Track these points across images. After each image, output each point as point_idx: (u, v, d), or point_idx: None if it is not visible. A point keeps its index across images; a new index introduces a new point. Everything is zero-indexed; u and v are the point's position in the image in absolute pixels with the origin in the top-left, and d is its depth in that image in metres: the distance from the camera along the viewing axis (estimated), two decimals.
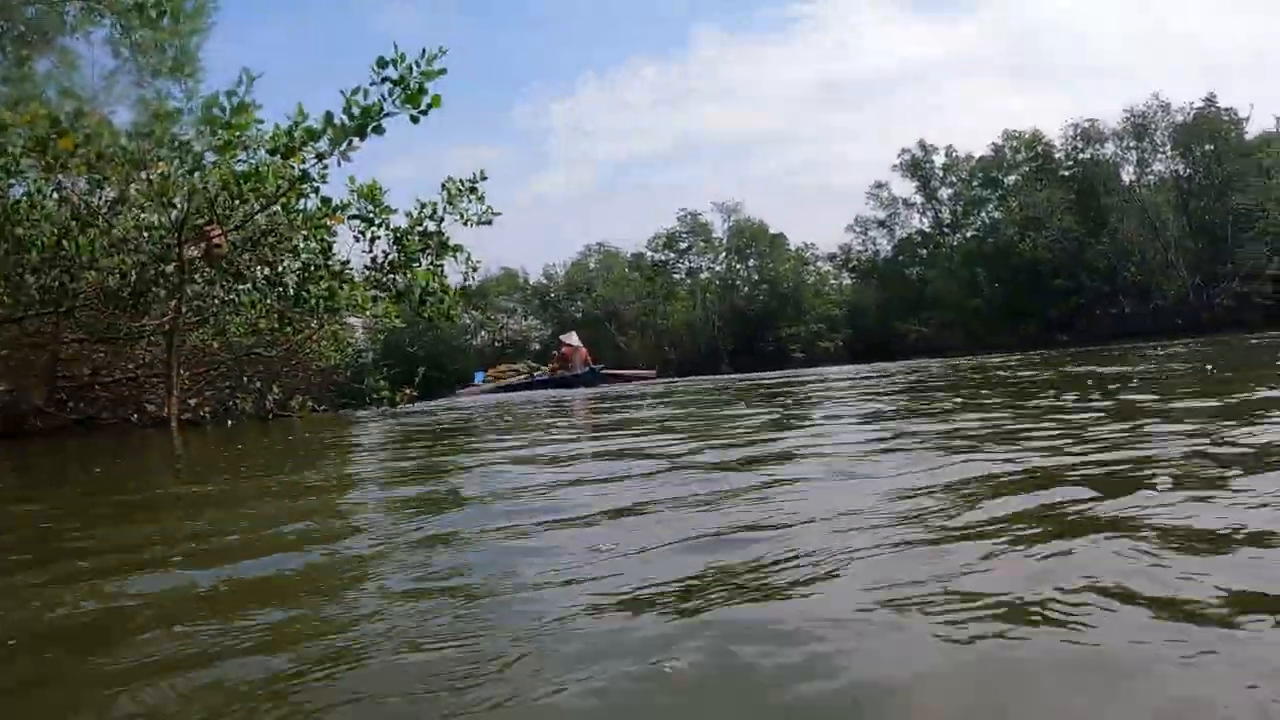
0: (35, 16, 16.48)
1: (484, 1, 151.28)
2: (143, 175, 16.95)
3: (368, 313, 22.75)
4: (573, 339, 47.04)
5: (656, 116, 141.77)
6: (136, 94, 17.33)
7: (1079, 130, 73.96)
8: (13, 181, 16.29)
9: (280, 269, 20.68)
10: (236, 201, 17.72)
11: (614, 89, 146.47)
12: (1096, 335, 59.29)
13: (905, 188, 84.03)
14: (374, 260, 22.36)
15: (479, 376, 42.94)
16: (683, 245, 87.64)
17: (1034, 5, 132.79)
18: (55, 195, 17.36)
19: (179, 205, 17.61)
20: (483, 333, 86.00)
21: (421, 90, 16.98)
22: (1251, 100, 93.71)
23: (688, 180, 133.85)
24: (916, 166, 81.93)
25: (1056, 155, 76.21)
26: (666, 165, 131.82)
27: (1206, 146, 66.64)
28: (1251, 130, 68.08)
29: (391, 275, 22.26)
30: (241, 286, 19.75)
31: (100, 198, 17.96)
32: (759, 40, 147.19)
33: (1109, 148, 73.08)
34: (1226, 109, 67.28)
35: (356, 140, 17.15)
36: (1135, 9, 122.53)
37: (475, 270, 24.11)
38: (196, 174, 17.23)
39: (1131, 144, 71.34)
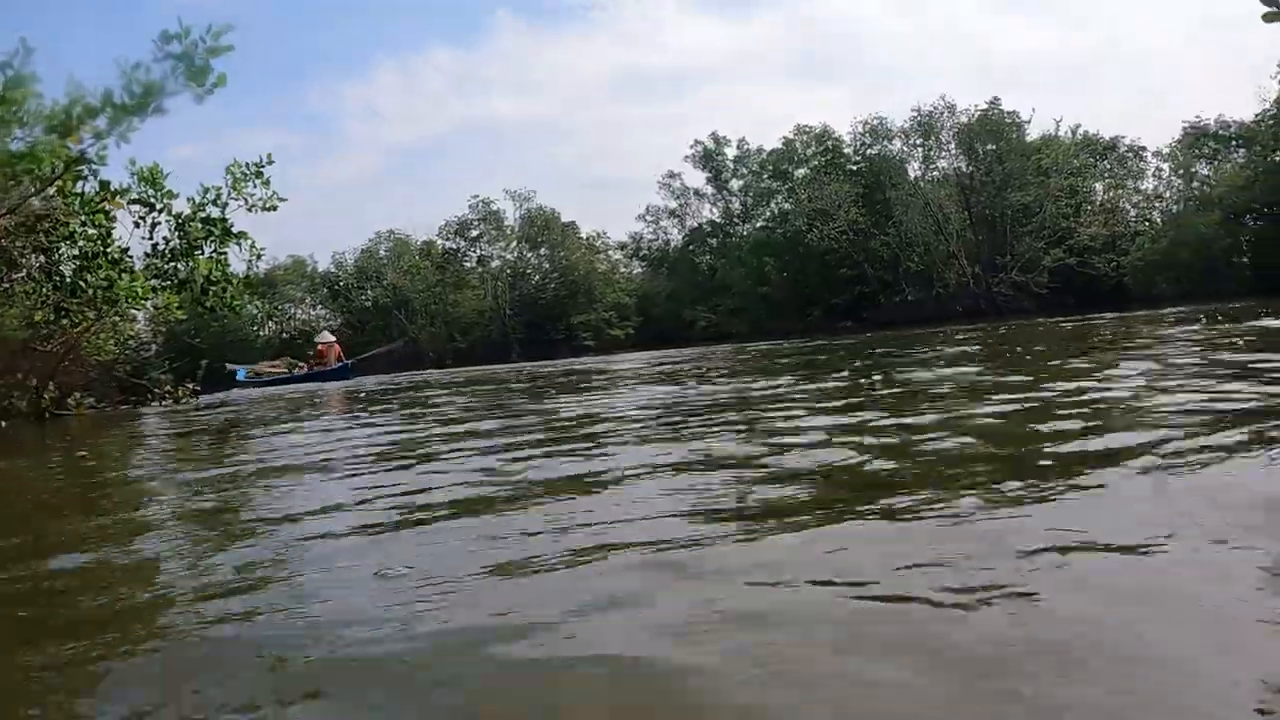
0: None
1: None
2: None
3: (147, 304, 21.98)
4: (326, 337, 48.10)
5: (452, 102, 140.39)
6: None
7: (867, 127, 76.21)
8: None
9: (57, 257, 19.75)
10: (10, 183, 16.69)
11: (410, 74, 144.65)
12: (880, 322, 61.29)
13: (697, 178, 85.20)
14: (155, 248, 21.55)
15: (241, 373, 42.90)
16: (474, 233, 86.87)
17: (828, 5, 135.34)
18: None
19: None
20: (270, 323, 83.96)
21: (207, 68, 16.28)
22: (1033, 105, 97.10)
23: (482, 167, 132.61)
24: (709, 158, 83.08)
25: (845, 150, 78.29)
26: (461, 152, 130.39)
27: (989, 146, 69.24)
28: (1032, 132, 71.05)
29: (173, 263, 21.48)
30: (16, 275, 18.78)
31: None
32: (557, 29, 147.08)
33: (896, 144, 75.49)
34: (1009, 111, 70.01)
35: (137, 120, 16.37)
36: (927, 13, 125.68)
37: (259, 258, 23.48)
38: None
39: (918, 141, 73.66)
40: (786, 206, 79.56)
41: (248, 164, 21.77)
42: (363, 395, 23.00)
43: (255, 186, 21.89)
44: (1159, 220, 69.73)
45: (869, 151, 76.53)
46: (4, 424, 17.86)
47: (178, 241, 21.57)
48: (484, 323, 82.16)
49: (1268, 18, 5.85)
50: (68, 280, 19.64)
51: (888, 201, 71.27)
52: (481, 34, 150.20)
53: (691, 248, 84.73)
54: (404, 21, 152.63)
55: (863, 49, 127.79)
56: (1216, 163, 66.66)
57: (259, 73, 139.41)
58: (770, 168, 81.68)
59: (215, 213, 21.82)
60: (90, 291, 19.08)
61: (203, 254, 21.64)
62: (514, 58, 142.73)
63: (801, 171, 79.70)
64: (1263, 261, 55.70)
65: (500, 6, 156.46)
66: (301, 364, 45.74)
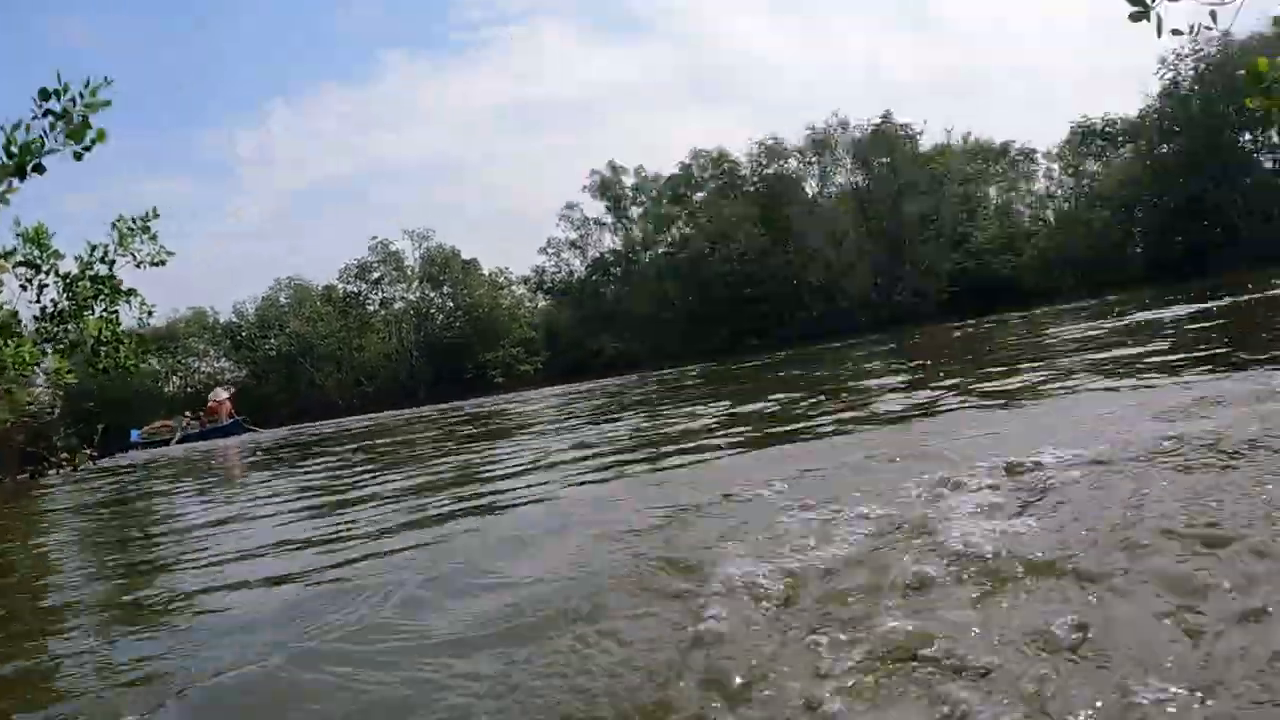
0: None
1: (166, 28, 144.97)
2: None
3: (38, 370, 21.40)
4: (219, 394, 49.26)
5: (347, 143, 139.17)
6: None
7: (763, 147, 76.73)
8: None
9: None
10: None
11: (304, 116, 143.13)
12: (786, 338, 61.55)
13: (596, 208, 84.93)
14: (44, 310, 21.03)
15: (135, 434, 42.90)
16: (375, 275, 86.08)
17: (716, 30, 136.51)
18: None
19: None
20: (174, 378, 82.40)
21: (86, 124, 15.94)
22: (924, 116, 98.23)
23: (380, 207, 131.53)
24: (606, 187, 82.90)
25: (742, 172, 78.88)
26: (358, 193, 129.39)
27: (883, 159, 70.21)
28: (925, 143, 72.17)
29: (63, 325, 20.95)
30: None
31: None
32: (449, 65, 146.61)
33: (792, 163, 76.30)
34: (902, 124, 71.19)
35: (16, 181, 15.97)
36: (817, 34, 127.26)
37: (151, 315, 22.95)
38: None
39: (813, 159, 74.53)
40: (687, 231, 79.61)
41: (134, 219, 21.35)
42: (259, 456, 22.74)
43: (142, 241, 21.46)
44: (1052, 219, 71.15)
45: (766, 171, 77.12)
46: None
47: (66, 303, 21.06)
48: (390, 366, 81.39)
49: (1134, 17, 5.85)
50: None
51: (787, 219, 71.80)
52: (373, 72, 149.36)
53: (594, 277, 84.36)
54: (294, 62, 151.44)
55: (755, 71, 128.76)
56: (1105, 159, 68.32)
57: (154, 120, 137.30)
58: (669, 193, 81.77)
59: (103, 270, 21.35)
60: None
61: (93, 314, 21.14)
62: (408, 95, 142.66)
63: (700, 195, 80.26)
64: (1154, 250, 57.49)
65: (391, 44, 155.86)
66: (194, 420, 45.83)
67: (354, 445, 19.33)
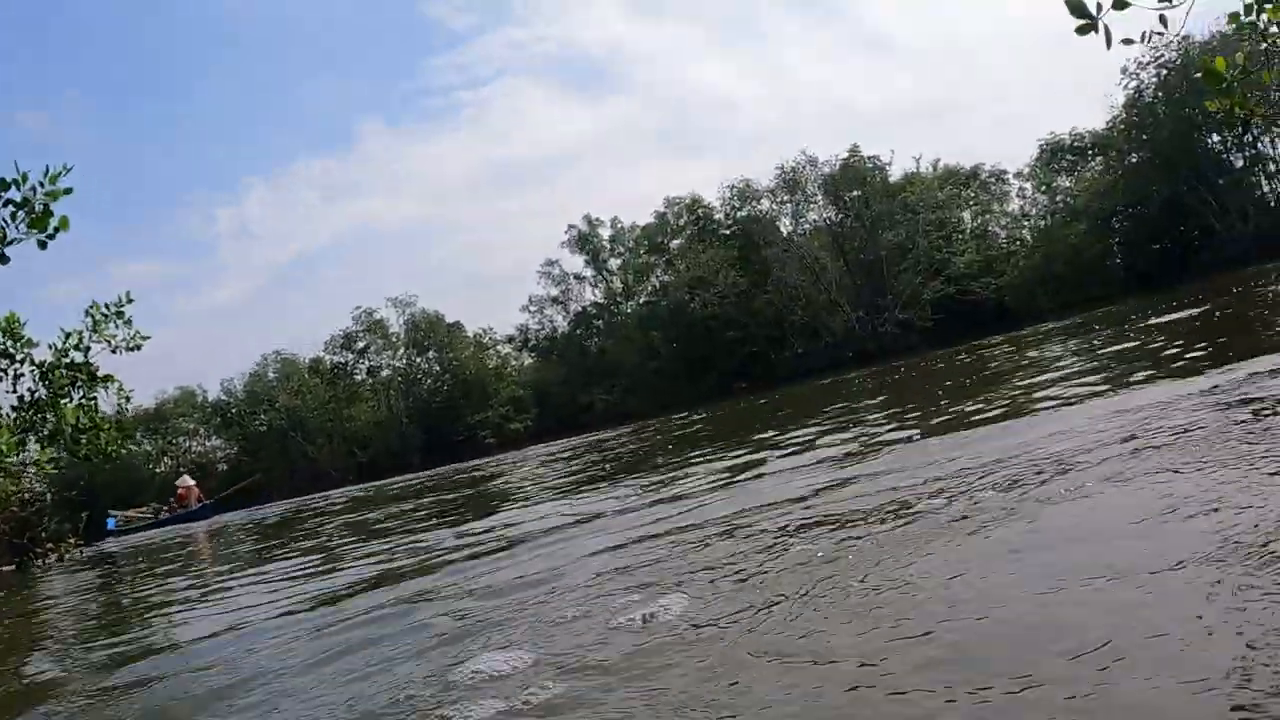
0: None
1: (131, 112, 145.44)
2: None
3: (15, 460, 21.37)
4: (187, 481, 50.19)
5: (326, 215, 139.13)
6: None
7: (735, 190, 77.14)
8: None
9: None
10: None
11: (281, 190, 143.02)
12: (773, 378, 61.69)
13: (575, 263, 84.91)
14: (21, 400, 21.04)
15: (111, 523, 43.72)
16: (361, 344, 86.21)
17: (680, 79, 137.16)
18: None
19: None
20: (165, 459, 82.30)
21: (48, 213, 16.04)
22: (891, 147, 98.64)
23: (362, 275, 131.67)
24: (584, 241, 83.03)
25: (716, 216, 79.44)
26: (339, 263, 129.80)
27: (854, 192, 70.41)
28: (895, 172, 72.36)
29: (40, 415, 20.94)
30: None
31: None
32: (422, 131, 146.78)
33: (764, 203, 76.49)
34: (870, 156, 71.31)
35: None
36: (773, 74, 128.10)
37: (128, 400, 22.90)
38: None
39: (785, 198, 74.71)
40: (666, 279, 79.84)
41: (107, 304, 21.32)
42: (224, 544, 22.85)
43: (117, 327, 21.47)
44: (1029, 238, 71.35)
45: (739, 214, 77.58)
46: None
47: (43, 391, 21.07)
48: (382, 433, 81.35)
49: (1081, 30, 5.96)
50: None
51: (764, 260, 71.81)
52: (348, 143, 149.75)
53: (578, 331, 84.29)
54: (269, 137, 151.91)
55: (720, 116, 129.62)
56: (1076, 174, 68.72)
57: (133, 200, 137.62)
58: (646, 242, 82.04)
59: (79, 358, 21.37)
60: None
61: (70, 402, 21.15)
62: (383, 163, 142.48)
63: (676, 242, 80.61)
64: (1133, 260, 57.83)
65: (362, 113, 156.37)
66: (165, 507, 46.80)
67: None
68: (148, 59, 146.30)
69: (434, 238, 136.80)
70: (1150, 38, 6.53)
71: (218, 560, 14.06)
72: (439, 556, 9.06)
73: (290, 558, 12.36)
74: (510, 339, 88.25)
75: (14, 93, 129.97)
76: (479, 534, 9.95)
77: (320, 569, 11.06)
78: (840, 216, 71.80)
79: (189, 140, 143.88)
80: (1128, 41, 6.24)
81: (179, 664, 6.16)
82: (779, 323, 71.38)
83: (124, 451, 24.08)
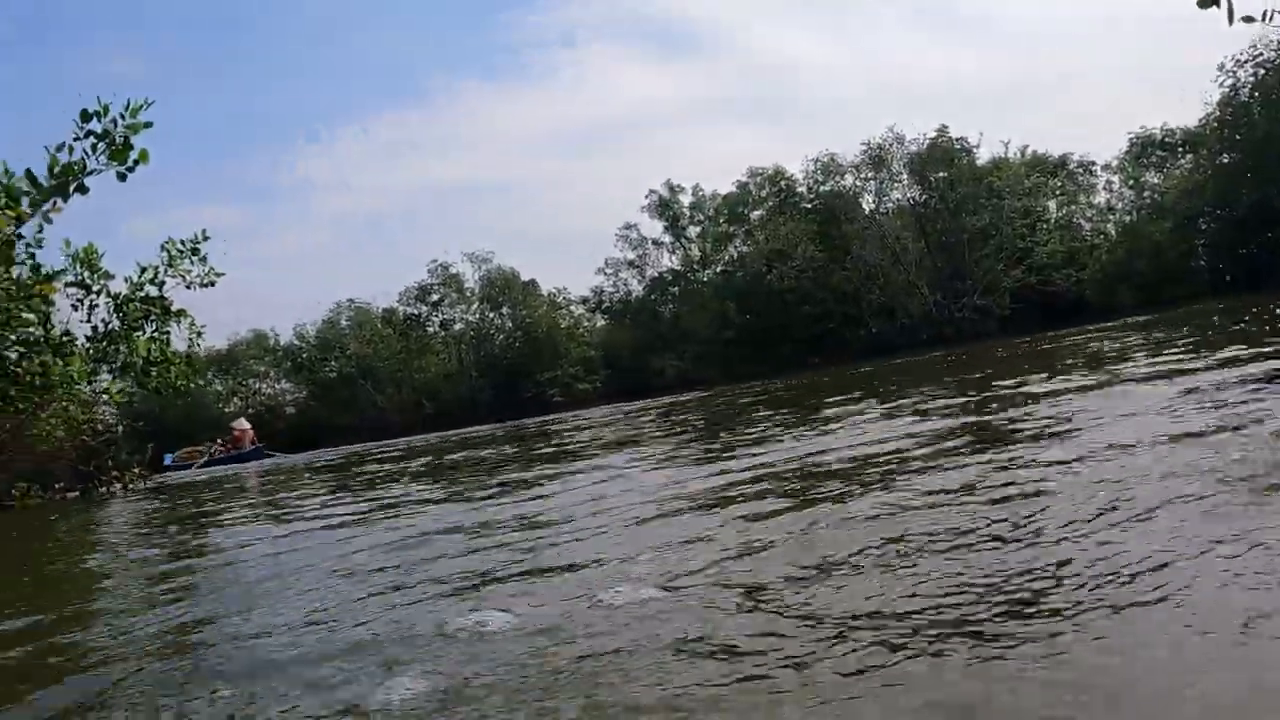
0: None
1: (227, 58, 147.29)
2: None
3: (87, 389, 21.61)
4: (243, 424, 51.46)
5: (404, 168, 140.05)
6: None
7: (819, 164, 76.12)
8: None
9: None
10: None
11: (366, 140, 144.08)
12: (846, 356, 61.13)
13: (654, 228, 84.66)
14: (95, 330, 21.28)
15: (168, 458, 44.51)
16: (435, 297, 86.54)
17: (769, 49, 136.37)
18: None
19: None
20: (235, 399, 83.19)
21: (128, 145, 16.16)
22: (980, 129, 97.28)
23: (439, 230, 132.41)
24: (664, 206, 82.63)
25: (799, 189, 78.41)
26: (414, 216, 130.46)
27: (940, 173, 69.35)
28: (982, 156, 71.17)
29: (114, 346, 21.18)
30: None
31: None
32: (506, 88, 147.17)
33: (849, 179, 75.29)
34: (958, 138, 70.16)
35: (60, 201, 16.22)
36: (864, 50, 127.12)
37: (200, 335, 23.14)
38: None
39: (870, 175, 73.63)
40: (744, 249, 79.18)
41: (183, 241, 21.57)
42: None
43: (192, 263, 21.67)
44: (1114, 232, 70.25)
45: (822, 188, 76.49)
46: None
47: (117, 323, 21.30)
48: (451, 386, 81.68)
49: (1203, 3, 5.72)
50: (9, 367, 19.25)
51: (844, 236, 71.14)
52: (430, 97, 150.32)
53: (653, 297, 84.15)
54: (354, 88, 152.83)
55: (806, 88, 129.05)
56: (1165, 170, 67.41)
57: (209, 145, 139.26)
58: (726, 212, 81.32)
59: (153, 292, 21.58)
60: (28, 378, 18.70)
61: (143, 335, 21.37)
62: (464, 119, 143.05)
63: (757, 213, 79.76)
64: (1217, 263, 56.53)
65: (448, 68, 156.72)
66: (220, 447, 47.54)
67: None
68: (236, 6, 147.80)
69: (510, 196, 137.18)
70: (1271, 17, 6.31)
71: (256, 501, 14.28)
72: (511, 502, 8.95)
73: (337, 496, 12.42)
74: (584, 300, 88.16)
75: (102, 38, 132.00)
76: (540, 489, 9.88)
77: (364, 502, 11.15)
78: (924, 197, 70.77)
79: (271, 89, 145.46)
80: (1249, 19, 6.04)
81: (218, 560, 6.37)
82: (855, 300, 70.64)
83: (193, 386, 24.37)
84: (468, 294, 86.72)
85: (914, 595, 3.47)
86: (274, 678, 3.57)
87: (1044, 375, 13.35)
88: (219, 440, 49.79)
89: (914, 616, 3.21)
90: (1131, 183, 69.74)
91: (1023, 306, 63.69)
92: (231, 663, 3.96)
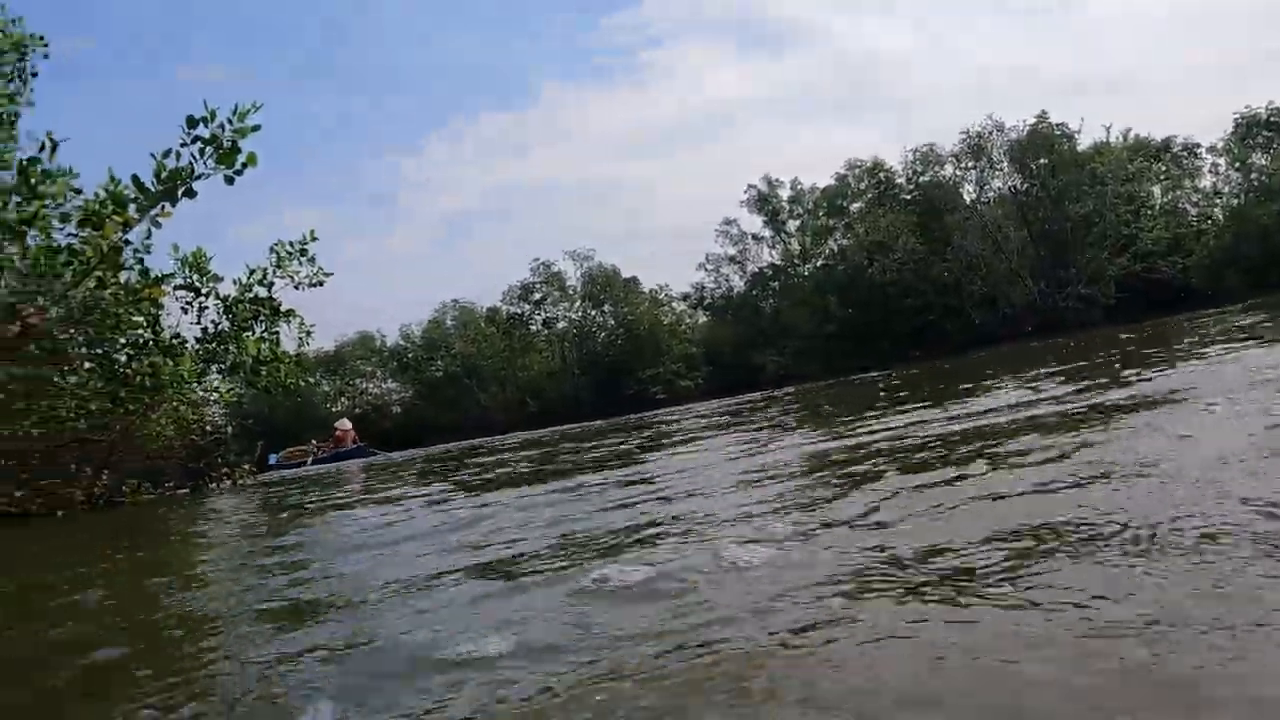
0: None
1: (322, 66, 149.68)
2: None
3: (197, 388, 22.01)
4: (345, 424, 51.92)
5: (506, 168, 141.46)
6: None
7: (918, 154, 75.33)
8: None
9: (107, 348, 19.82)
10: (51, 277, 16.73)
11: (462, 144, 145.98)
12: (948, 348, 60.43)
13: (754, 223, 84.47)
14: (204, 331, 21.63)
15: (273, 457, 45.27)
16: (537, 296, 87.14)
17: (857, 39, 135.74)
18: None
19: None
20: (342, 399, 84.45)
21: (235, 149, 16.42)
22: (1081, 114, 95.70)
23: (539, 229, 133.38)
24: (763, 201, 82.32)
25: (898, 180, 77.52)
26: (514, 216, 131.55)
27: (1041, 160, 68.17)
28: (1083, 141, 69.80)
29: (223, 346, 21.52)
30: (66, 368, 18.83)
31: None
32: (601, 88, 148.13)
33: (948, 169, 74.47)
34: (1058, 124, 68.86)
35: (168, 205, 16.53)
36: (954, 38, 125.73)
37: (309, 335, 23.41)
38: (12, 248, 16.42)
39: (970, 164, 72.66)
40: (844, 242, 78.72)
41: (291, 242, 21.86)
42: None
43: (300, 264, 21.96)
44: (1220, 216, 68.51)
45: (921, 179, 75.67)
46: (59, 514, 17.94)
47: (226, 324, 21.65)
48: (554, 384, 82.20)
49: None
50: (119, 369, 19.67)
51: (945, 227, 70.39)
52: (526, 99, 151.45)
53: (754, 292, 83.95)
54: (450, 92, 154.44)
55: (900, 78, 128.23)
56: (1273, 151, 65.50)
57: (314, 152, 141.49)
58: (825, 205, 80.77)
59: (262, 293, 21.90)
60: (139, 379, 19.08)
61: (252, 335, 21.70)
62: (559, 119, 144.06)
63: (856, 206, 79.16)
64: None
65: (543, 70, 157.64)
66: (322, 447, 48.44)
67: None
68: (336, 12, 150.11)
69: (608, 194, 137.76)
70: None
71: (365, 488, 14.77)
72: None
73: (439, 487, 12.67)
74: (685, 296, 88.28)
75: (200, 46, 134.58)
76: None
77: (470, 489, 11.34)
78: (1025, 185, 69.62)
79: (371, 95, 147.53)
80: None
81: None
82: (956, 291, 69.71)
83: (302, 384, 24.70)
84: (570, 292, 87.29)
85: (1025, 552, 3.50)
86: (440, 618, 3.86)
87: (1191, 356, 13.06)
88: (321, 440, 50.53)
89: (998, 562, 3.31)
90: (1238, 164, 67.84)
91: (1127, 295, 62.47)
92: (376, 616, 4.22)
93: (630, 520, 5.78)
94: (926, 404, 12.68)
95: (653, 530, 5.33)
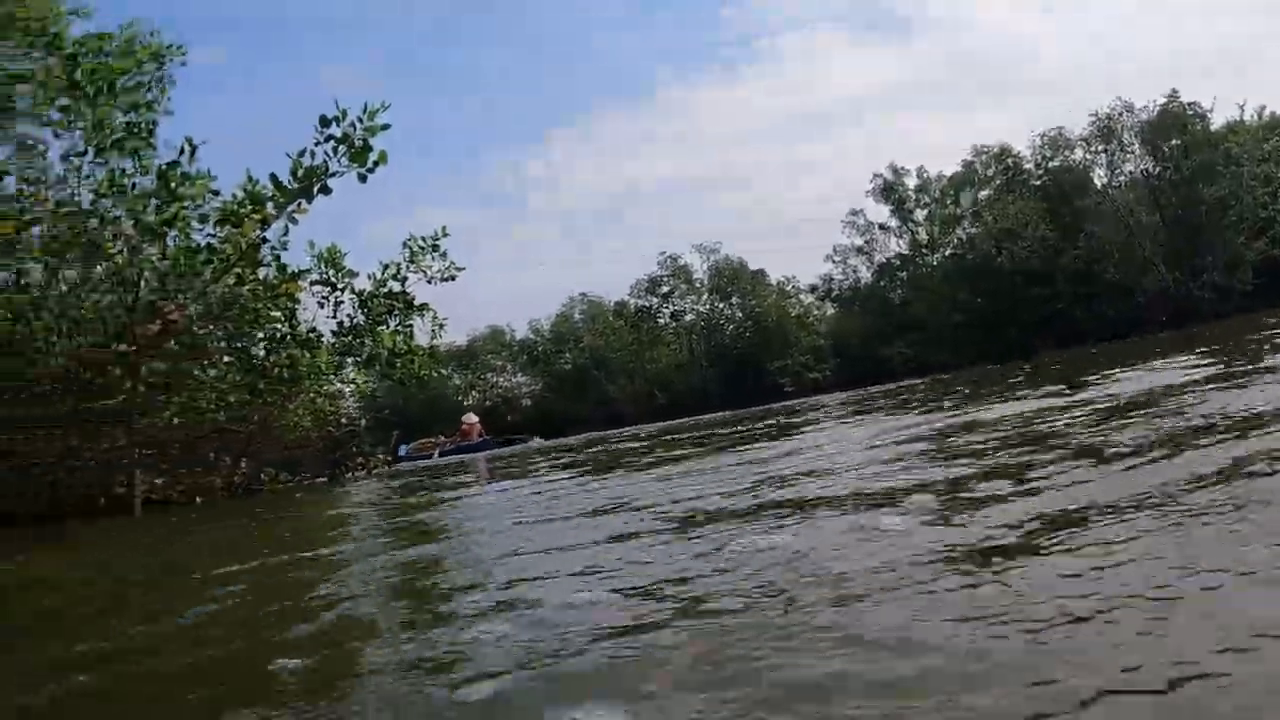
0: None
1: (440, 66, 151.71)
2: (107, 251, 16.50)
3: (333, 380, 22.47)
4: (471, 418, 52.10)
5: (628, 161, 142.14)
6: (92, 173, 17.01)
7: (1046, 139, 73.58)
8: None
9: (244, 341, 20.35)
10: (191, 275, 17.22)
11: (584, 138, 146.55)
12: (1079, 337, 59.32)
13: (880, 212, 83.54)
14: (340, 325, 22.08)
15: (403, 449, 46.13)
16: (665, 289, 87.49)
17: (977, 22, 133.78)
18: (15, 280, 16.80)
19: (134, 282, 17.13)
20: (474, 392, 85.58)
21: (366, 147, 16.74)
22: (1214, 93, 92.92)
23: (663, 223, 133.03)
24: (890, 190, 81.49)
25: (1026, 166, 75.93)
26: (641, 210, 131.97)
27: (1173, 142, 66.31)
28: (1216, 121, 67.67)
29: (359, 339, 21.96)
30: (206, 362, 19.37)
31: (61, 279, 17.41)
32: (719, 80, 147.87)
33: (1078, 153, 72.66)
34: (1190, 103, 66.90)
35: (304, 202, 16.89)
36: (1078, 19, 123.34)
37: (443, 327, 23.75)
38: (152, 249, 16.89)
39: (1100, 147, 70.88)
40: (972, 231, 77.40)
41: (423, 238, 22.24)
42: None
43: (433, 258, 22.32)
44: None
45: (1050, 164, 73.84)
46: (197, 500, 18.46)
47: (361, 318, 22.08)
48: (682, 376, 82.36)
49: None
50: (258, 362, 20.20)
51: (1075, 213, 68.81)
52: (648, 93, 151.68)
53: (882, 283, 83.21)
54: (572, 89, 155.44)
55: (1024, 62, 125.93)
56: None
57: (442, 154, 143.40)
58: (952, 193, 79.52)
59: (396, 287, 22.31)
60: (277, 371, 19.59)
61: (386, 328, 22.10)
62: (681, 113, 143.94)
63: (985, 193, 77.68)
64: None
65: (661, 64, 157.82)
66: (449, 440, 49.07)
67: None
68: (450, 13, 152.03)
69: (732, 186, 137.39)
70: None
71: (494, 476, 15.21)
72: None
73: (592, 464, 13.00)
74: (813, 288, 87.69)
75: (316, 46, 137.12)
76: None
77: (624, 465, 11.54)
78: (1157, 168, 67.75)
79: (497, 93, 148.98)
80: None
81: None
82: (1087, 279, 67.86)
83: (434, 376, 25.20)
84: (697, 285, 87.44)
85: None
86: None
87: None
88: (448, 433, 51.31)
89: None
90: None
91: (1265, 280, 60.25)
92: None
93: (771, 497, 5.79)
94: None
95: (799, 499, 5.41)
